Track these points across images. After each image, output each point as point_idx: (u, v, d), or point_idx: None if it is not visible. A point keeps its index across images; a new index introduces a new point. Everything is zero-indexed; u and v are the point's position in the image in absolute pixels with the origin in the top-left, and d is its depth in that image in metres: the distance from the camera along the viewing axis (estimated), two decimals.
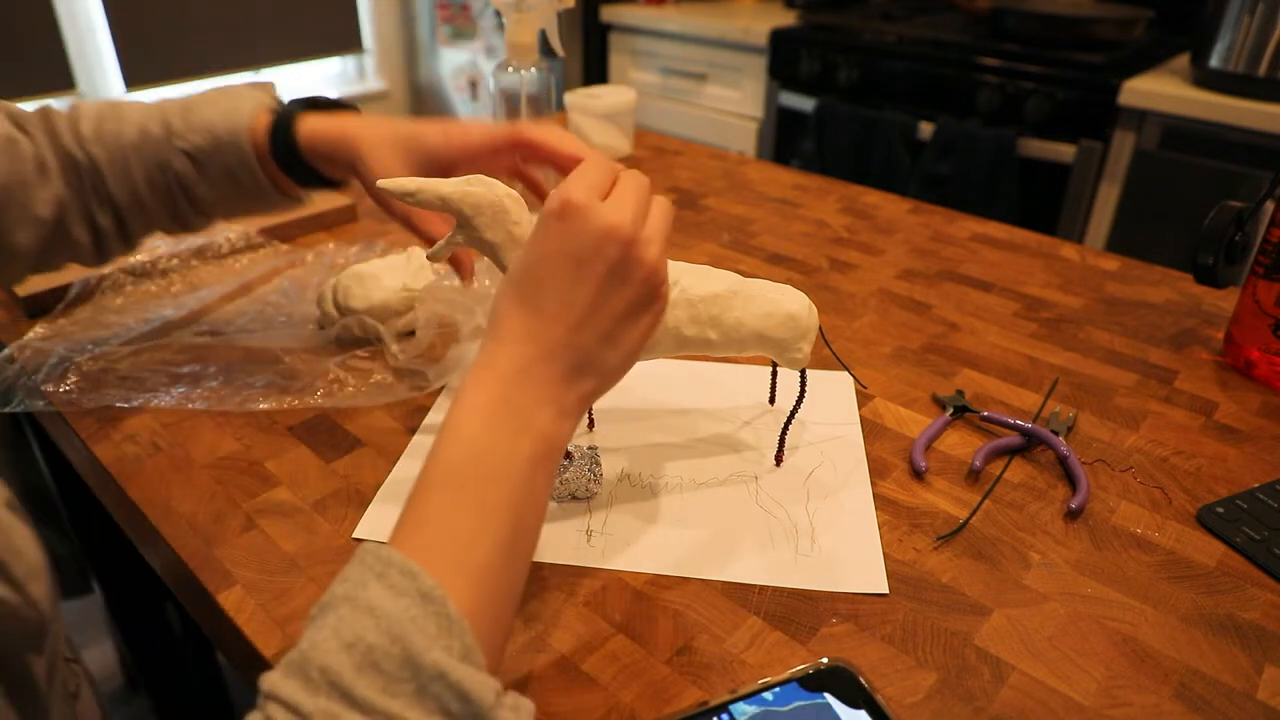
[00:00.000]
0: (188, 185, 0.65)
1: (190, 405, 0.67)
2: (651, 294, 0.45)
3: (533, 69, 1.01)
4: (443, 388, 0.70)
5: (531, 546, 0.41)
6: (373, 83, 3.16)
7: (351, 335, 0.75)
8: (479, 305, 0.77)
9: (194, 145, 0.63)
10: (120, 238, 0.67)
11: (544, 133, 0.58)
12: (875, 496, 0.60)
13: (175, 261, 0.89)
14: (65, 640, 0.50)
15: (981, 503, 0.59)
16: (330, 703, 0.32)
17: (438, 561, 0.36)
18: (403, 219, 0.61)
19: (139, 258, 0.87)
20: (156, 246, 0.89)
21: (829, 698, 0.43)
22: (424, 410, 0.68)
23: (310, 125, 0.62)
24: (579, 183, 0.43)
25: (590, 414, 0.66)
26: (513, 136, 0.59)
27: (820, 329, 0.59)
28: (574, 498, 0.58)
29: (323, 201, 1.00)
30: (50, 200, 0.62)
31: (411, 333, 0.75)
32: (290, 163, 0.63)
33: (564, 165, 0.57)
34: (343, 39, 2.96)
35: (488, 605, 0.37)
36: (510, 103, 1.03)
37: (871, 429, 0.67)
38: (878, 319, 0.83)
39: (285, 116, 0.63)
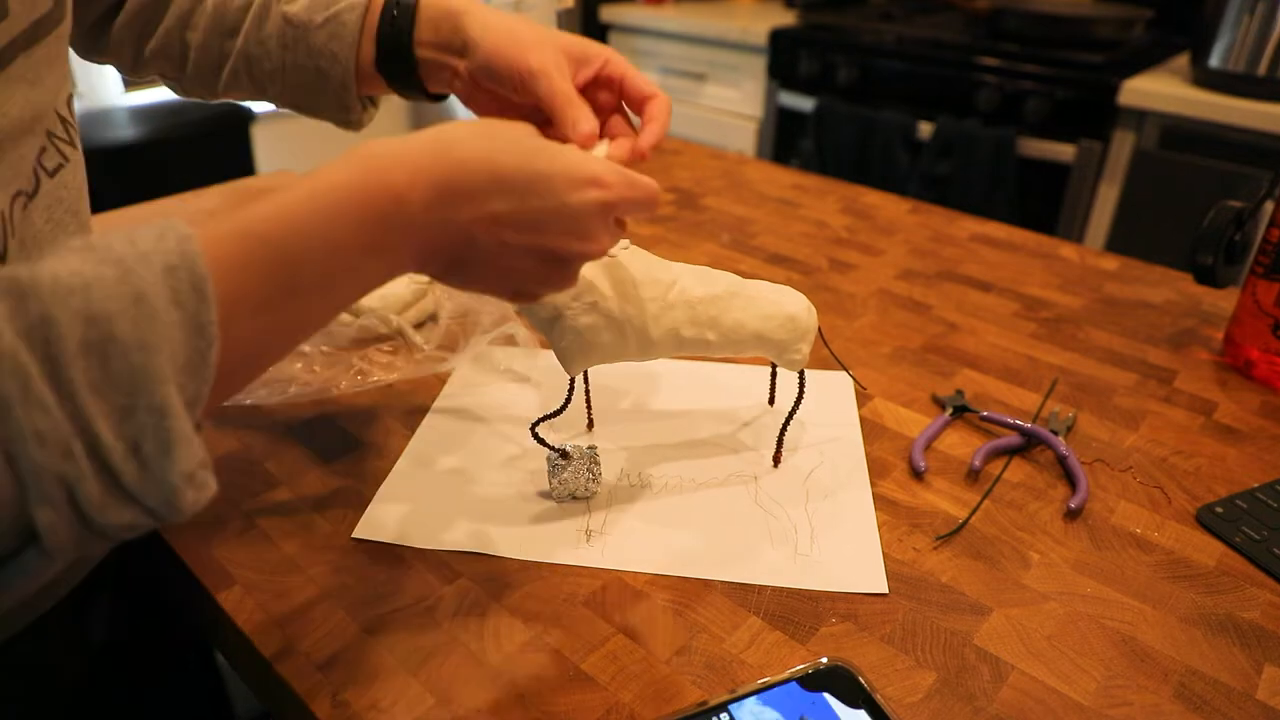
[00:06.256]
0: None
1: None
2: (538, 288, 0.44)
3: None
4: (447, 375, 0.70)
5: (299, 343, 0.38)
6: None
7: (374, 334, 0.76)
8: None
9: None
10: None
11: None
12: (875, 496, 0.60)
13: None
14: None
15: (981, 502, 0.59)
16: (30, 358, 0.27)
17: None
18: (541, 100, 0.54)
19: None
20: None
21: (828, 697, 0.43)
22: (424, 411, 0.68)
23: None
24: (629, 193, 0.44)
25: (590, 414, 0.66)
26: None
27: (820, 330, 0.59)
28: (574, 498, 0.58)
29: None
30: None
31: (423, 323, 0.77)
32: (394, 52, 0.57)
33: (635, 100, 0.56)
34: None
35: (240, 363, 0.34)
36: None
37: (871, 429, 0.67)
38: (877, 319, 0.83)
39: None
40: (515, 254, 0.42)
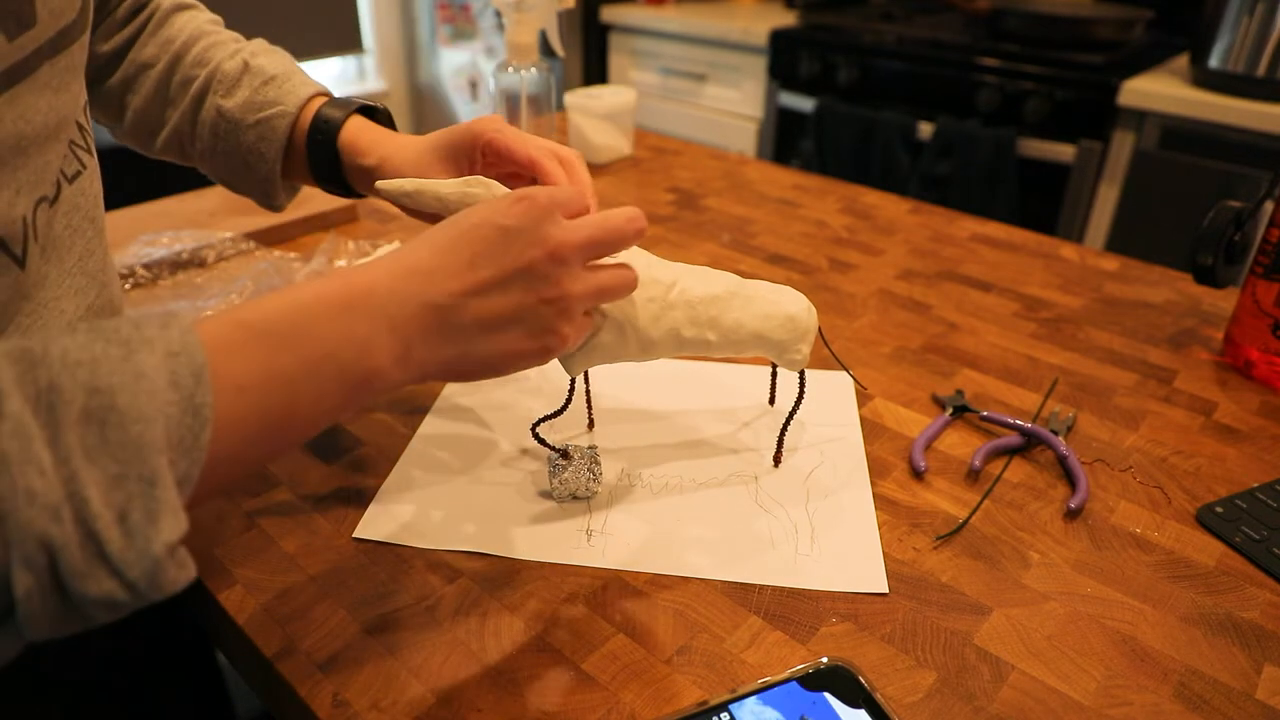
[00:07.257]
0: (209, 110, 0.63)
1: None
2: (550, 320, 0.44)
3: (533, 69, 1.01)
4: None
5: (293, 440, 0.39)
6: (373, 83, 3.16)
7: None
8: None
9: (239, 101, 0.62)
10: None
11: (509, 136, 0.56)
12: (875, 496, 0.60)
13: (165, 271, 0.89)
14: None
15: (981, 502, 0.59)
16: (32, 422, 0.28)
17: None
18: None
19: (126, 264, 0.87)
20: (146, 254, 0.90)
21: (829, 697, 0.43)
22: (424, 411, 0.68)
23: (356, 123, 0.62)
24: (555, 193, 0.45)
25: (590, 414, 0.66)
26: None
27: (820, 330, 0.59)
28: (574, 498, 0.58)
29: (323, 201, 1.01)
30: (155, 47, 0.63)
31: None
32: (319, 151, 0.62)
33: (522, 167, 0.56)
34: (343, 39, 2.96)
35: (230, 454, 0.35)
36: (510, 103, 1.03)
37: (871, 429, 0.67)
38: (878, 319, 0.83)
39: (337, 108, 0.62)
40: (496, 290, 0.42)
